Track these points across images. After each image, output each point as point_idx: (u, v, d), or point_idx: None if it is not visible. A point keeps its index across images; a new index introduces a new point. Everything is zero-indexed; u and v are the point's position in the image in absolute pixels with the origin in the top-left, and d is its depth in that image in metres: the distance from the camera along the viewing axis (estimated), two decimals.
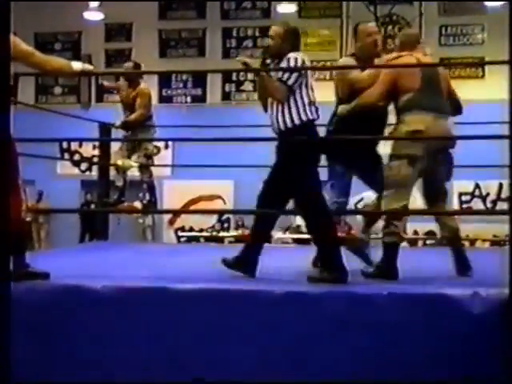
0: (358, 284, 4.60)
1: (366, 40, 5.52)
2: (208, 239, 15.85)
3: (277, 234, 14.97)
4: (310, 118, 4.98)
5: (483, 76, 15.63)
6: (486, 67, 15.60)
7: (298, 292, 4.24)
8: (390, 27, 17.04)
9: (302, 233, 14.54)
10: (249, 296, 4.24)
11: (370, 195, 14.62)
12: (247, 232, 15.53)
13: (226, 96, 17.71)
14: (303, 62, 5.04)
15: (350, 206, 14.46)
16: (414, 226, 15.25)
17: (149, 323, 4.26)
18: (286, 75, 4.96)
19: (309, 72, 5.08)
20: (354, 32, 5.74)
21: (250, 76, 17.54)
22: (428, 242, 14.06)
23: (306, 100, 4.99)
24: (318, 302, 4.14)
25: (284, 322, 4.14)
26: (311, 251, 5.45)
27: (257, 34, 17.88)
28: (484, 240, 13.78)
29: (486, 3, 16.26)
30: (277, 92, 4.98)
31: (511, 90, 4.24)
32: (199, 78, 17.45)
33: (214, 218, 16.83)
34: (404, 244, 14.74)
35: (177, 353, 4.20)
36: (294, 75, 4.96)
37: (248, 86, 17.63)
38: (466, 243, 14.04)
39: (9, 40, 4.15)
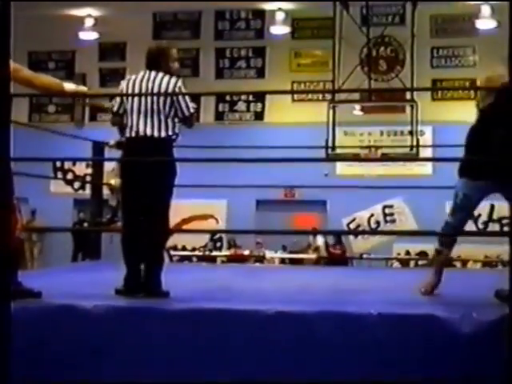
0: (349, 304, 4.60)
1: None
2: (200, 258, 15.85)
3: (269, 254, 15.00)
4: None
5: (475, 98, 15.70)
6: None
7: (287, 312, 4.25)
8: (382, 48, 17.15)
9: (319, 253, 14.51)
10: (234, 315, 4.25)
11: (362, 215, 14.66)
12: (240, 251, 15.61)
13: (219, 116, 17.77)
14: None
15: (343, 226, 14.54)
16: (406, 247, 15.31)
17: (140, 341, 4.27)
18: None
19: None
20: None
21: (244, 97, 17.63)
22: (420, 262, 14.08)
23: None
24: (308, 322, 4.15)
25: (273, 341, 4.15)
26: (308, 271, 5.46)
27: (250, 54, 17.97)
28: (475, 261, 13.81)
29: (478, 25, 16.39)
30: None
31: None
32: (193, 98, 17.46)
33: (206, 237, 16.83)
34: (396, 264, 14.82)
35: (170, 370, 4.21)
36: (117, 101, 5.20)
37: (241, 107, 17.70)
38: (458, 264, 14.19)
39: (8, 57, 4.16)
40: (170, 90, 5.08)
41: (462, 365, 3.97)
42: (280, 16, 17.12)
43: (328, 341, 4.12)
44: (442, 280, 5.29)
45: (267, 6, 17.31)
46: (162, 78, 5.12)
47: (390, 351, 4.05)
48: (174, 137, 5.12)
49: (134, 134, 5.05)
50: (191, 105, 5.13)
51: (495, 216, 15.00)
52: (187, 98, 5.16)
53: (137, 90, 5.11)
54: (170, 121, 5.07)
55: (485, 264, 13.66)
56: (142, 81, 5.14)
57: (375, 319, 4.11)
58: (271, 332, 4.17)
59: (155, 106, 5.04)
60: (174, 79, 5.13)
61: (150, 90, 5.09)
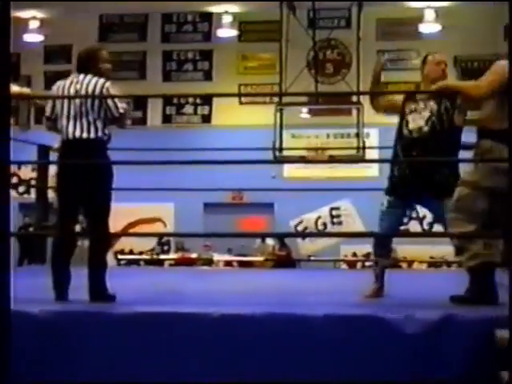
0: (295, 305, 4.62)
1: (434, 68, 5.44)
2: (148, 262, 15.76)
3: (217, 256, 14.97)
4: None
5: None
6: None
7: (234, 314, 4.25)
8: (328, 51, 17.28)
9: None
10: (180, 319, 4.23)
11: (309, 217, 14.72)
12: (188, 255, 15.55)
13: (166, 119, 17.71)
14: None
15: (290, 228, 14.60)
16: (353, 249, 15.42)
17: (87, 346, 4.23)
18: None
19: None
20: (422, 61, 5.62)
21: (191, 99, 17.59)
22: (367, 263, 14.20)
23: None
24: (255, 324, 4.15)
25: (220, 344, 4.15)
26: (256, 273, 5.47)
27: (197, 57, 17.95)
28: (421, 262, 13.97)
29: (422, 29, 16.60)
30: None
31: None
32: (140, 101, 17.41)
33: (153, 241, 16.74)
34: (343, 266, 14.91)
35: (116, 373, 4.18)
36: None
37: (189, 110, 17.67)
38: (404, 265, 14.34)
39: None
40: (97, 91, 5.08)
41: (405, 365, 4.02)
42: (227, 19, 17.13)
43: (274, 342, 4.13)
44: (384, 284, 5.36)
45: (214, 9, 17.30)
46: (90, 80, 5.12)
47: (336, 352, 4.07)
48: (105, 138, 5.10)
49: (65, 138, 5.06)
50: (120, 105, 5.12)
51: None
52: (116, 98, 5.14)
53: (66, 94, 5.11)
54: (99, 122, 5.06)
55: (430, 265, 13.83)
56: (70, 84, 5.14)
57: (321, 320, 4.13)
58: (218, 335, 4.17)
59: (83, 109, 5.04)
60: (101, 80, 5.12)
61: (78, 93, 5.09)
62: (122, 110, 5.12)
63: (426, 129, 5.30)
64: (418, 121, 5.33)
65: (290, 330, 4.15)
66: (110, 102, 5.07)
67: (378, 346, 4.05)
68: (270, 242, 15.54)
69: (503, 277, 5.31)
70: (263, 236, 15.34)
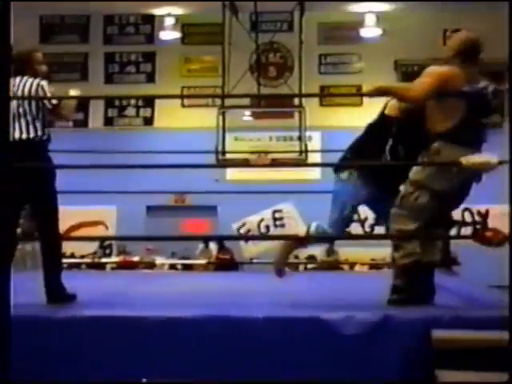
0: (236, 308, 4.65)
1: None
2: (90, 265, 15.62)
3: (159, 260, 14.91)
4: None
5: (361, 104, 16.04)
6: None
7: (174, 317, 4.25)
8: (271, 55, 17.35)
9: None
10: (124, 321, 4.23)
11: (252, 220, 14.77)
12: (130, 258, 15.45)
13: (108, 121, 17.58)
14: None
15: (233, 231, 14.61)
16: (296, 251, 15.48)
17: (33, 351, 4.20)
18: None
19: None
20: None
21: (133, 102, 17.50)
22: (309, 266, 14.28)
23: None
24: (195, 327, 4.17)
25: (159, 347, 4.15)
26: (198, 277, 5.48)
27: (140, 59, 17.85)
28: (362, 264, 14.11)
29: (363, 34, 16.78)
30: None
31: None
32: (81, 103, 17.25)
33: (95, 244, 16.59)
34: (286, 268, 14.96)
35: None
36: None
37: (131, 112, 17.58)
38: (346, 267, 14.47)
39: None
40: (33, 90, 5.12)
41: (344, 366, 4.07)
42: (169, 21, 17.08)
43: (215, 344, 4.15)
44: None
45: (157, 12, 17.24)
46: (26, 81, 5.12)
47: (276, 354, 4.11)
48: (44, 137, 5.09)
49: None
50: (53, 101, 5.14)
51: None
52: (48, 94, 5.18)
53: None
54: (38, 122, 5.08)
55: (371, 267, 13.97)
56: None
57: (261, 322, 4.16)
58: (158, 337, 4.17)
59: (21, 109, 5.05)
60: (36, 80, 5.13)
61: (15, 95, 5.11)
62: (54, 101, 5.12)
63: None
64: None
65: (230, 332, 4.18)
66: (41, 94, 5.07)
67: (317, 346, 4.10)
68: (213, 246, 15.55)
69: (440, 277, 5.43)
70: (206, 239, 15.31)
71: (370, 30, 16.61)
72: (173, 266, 15.03)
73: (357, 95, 16.59)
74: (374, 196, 5.22)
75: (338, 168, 5.33)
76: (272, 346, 4.13)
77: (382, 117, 5.27)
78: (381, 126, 5.23)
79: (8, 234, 5.06)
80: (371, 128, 5.32)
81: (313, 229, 5.29)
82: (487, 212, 17.38)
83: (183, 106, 17.22)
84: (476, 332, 4.02)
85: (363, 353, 4.09)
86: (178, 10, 16.95)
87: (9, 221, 5.05)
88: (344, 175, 5.22)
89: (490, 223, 17.10)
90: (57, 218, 5.09)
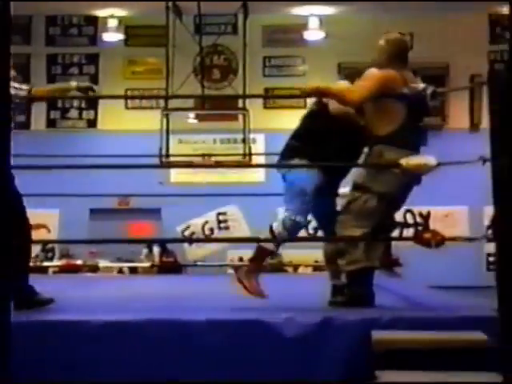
0: (178, 311, 4.64)
1: None
2: (31, 269, 15.40)
3: (103, 263, 14.79)
4: None
5: (305, 106, 16.14)
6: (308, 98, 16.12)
7: (115, 321, 4.23)
8: (215, 57, 17.35)
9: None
10: (65, 326, 4.20)
11: (196, 222, 14.73)
12: (73, 261, 15.30)
13: (51, 123, 17.38)
14: None
15: (177, 234, 14.56)
16: (240, 253, 15.52)
17: None
18: None
19: None
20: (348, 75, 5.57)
21: (76, 104, 17.33)
22: None
23: None
24: (137, 330, 4.15)
25: (101, 351, 4.13)
26: (142, 280, 5.45)
27: (83, 61, 17.69)
28: (306, 266, 14.16)
29: (306, 36, 16.88)
30: None
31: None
32: (23, 104, 17.02)
33: (37, 248, 16.39)
34: (230, 271, 14.99)
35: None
36: None
37: (74, 114, 17.40)
38: (290, 269, 14.52)
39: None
40: None
41: (286, 368, 4.09)
42: (113, 23, 16.95)
43: (158, 348, 4.14)
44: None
45: (100, 13, 17.11)
46: None
47: (218, 356, 4.11)
48: None
49: None
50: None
51: None
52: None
53: None
54: None
55: (315, 268, 14.03)
56: None
57: (203, 325, 4.16)
58: (99, 341, 4.15)
59: None
60: None
61: None
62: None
63: None
64: None
65: (173, 335, 4.17)
66: None
67: (259, 349, 4.12)
68: (157, 249, 15.48)
69: (381, 278, 5.50)
70: (150, 242, 15.25)
71: (314, 33, 16.72)
72: (118, 270, 14.92)
73: (296, 97, 16.67)
74: (323, 186, 5.15)
75: (286, 158, 5.25)
76: (214, 348, 4.13)
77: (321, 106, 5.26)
78: (320, 114, 5.23)
79: None
80: (312, 115, 5.31)
81: (278, 227, 5.09)
82: (429, 213, 17.65)
83: (127, 108, 17.11)
84: (416, 332, 4.08)
85: (304, 354, 4.12)
86: (121, 11, 16.84)
87: None
88: (295, 162, 5.16)
89: (432, 225, 17.38)
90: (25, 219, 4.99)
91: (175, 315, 4.37)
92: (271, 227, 5.12)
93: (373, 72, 4.95)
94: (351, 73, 5.57)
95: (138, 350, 4.14)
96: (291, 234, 5.09)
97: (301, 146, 5.16)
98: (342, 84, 5.31)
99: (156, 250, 15.46)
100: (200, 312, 4.46)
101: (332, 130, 5.10)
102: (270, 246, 5.11)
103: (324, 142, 5.07)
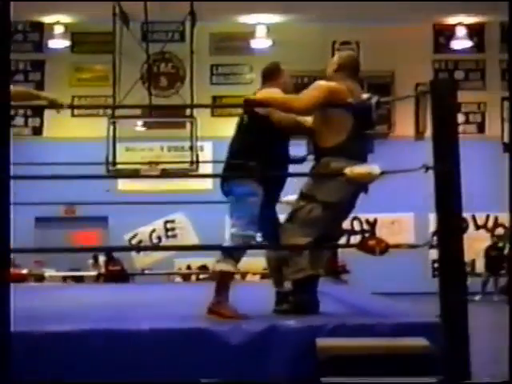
0: (123, 320, 4.60)
1: (288, 80, 5.39)
2: None
3: (49, 272, 14.61)
4: None
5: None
6: None
7: (58, 332, 4.18)
8: (162, 65, 17.31)
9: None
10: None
11: (144, 230, 14.62)
12: (18, 270, 15.08)
13: None
14: None
15: (125, 242, 14.45)
16: (188, 261, 15.50)
17: None
18: None
19: None
20: (267, 71, 5.45)
21: (21, 111, 17.14)
22: (201, 276, 14.28)
23: None
24: (80, 340, 4.11)
25: (44, 361, 4.08)
26: (88, 289, 5.39)
27: (28, 67, 17.53)
28: (254, 273, 14.16)
29: (254, 45, 16.94)
30: None
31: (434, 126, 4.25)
32: None
33: None
34: (178, 279, 14.92)
35: None
36: None
37: (19, 121, 17.21)
38: (238, 276, 14.50)
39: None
40: None
41: (231, 376, 4.08)
42: (59, 29, 16.83)
43: (102, 358, 4.09)
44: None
45: (45, 19, 16.95)
46: None
47: (162, 365, 4.09)
48: None
49: None
50: None
51: None
52: None
53: None
54: None
55: (263, 276, 14.04)
56: None
57: (147, 334, 4.14)
58: (42, 352, 4.09)
59: None
60: None
61: None
62: None
63: None
64: None
65: (117, 345, 4.13)
66: None
67: (204, 357, 4.10)
68: (102, 258, 15.36)
69: (327, 285, 5.52)
70: (97, 250, 15.11)
71: (261, 41, 16.79)
72: (64, 279, 14.76)
73: (242, 106, 16.70)
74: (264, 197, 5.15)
75: (229, 177, 5.23)
76: (159, 357, 4.10)
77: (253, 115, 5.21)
78: (254, 123, 5.20)
79: None
80: (244, 127, 5.28)
81: (230, 244, 5.00)
82: (375, 220, 17.86)
83: (73, 115, 16.96)
84: (360, 339, 4.11)
85: (249, 362, 4.11)
86: (67, 18, 16.71)
87: None
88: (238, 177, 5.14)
89: (378, 231, 17.58)
90: None
91: (119, 325, 4.33)
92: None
93: (319, 83, 5.01)
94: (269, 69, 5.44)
95: (79, 360, 4.09)
96: (245, 248, 5.04)
97: (243, 163, 5.16)
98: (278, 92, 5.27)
99: (102, 258, 15.34)
100: (145, 321, 4.42)
101: (272, 141, 5.11)
102: (230, 267, 5.00)
103: (265, 153, 5.06)
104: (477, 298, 16.16)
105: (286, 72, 5.38)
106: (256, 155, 5.04)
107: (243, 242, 4.93)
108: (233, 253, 4.93)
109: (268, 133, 5.08)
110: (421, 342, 3.99)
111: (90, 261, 15.37)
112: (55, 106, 5.24)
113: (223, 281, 4.94)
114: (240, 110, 5.63)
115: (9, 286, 4.05)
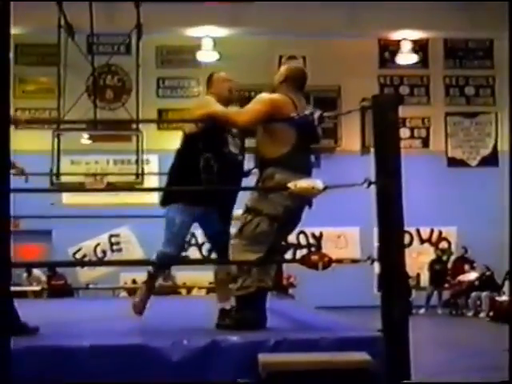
0: (63, 336, 4.52)
1: (221, 86, 5.44)
2: None
3: None
4: None
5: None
6: None
7: None
8: (108, 77, 17.19)
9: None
10: None
11: (88, 244, 14.43)
12: None
13: None
14: None
15: (69, 256, 14.24)
16: (133, 276, 15.35)
17: None
18: None
19: None
20: (207, 80, 5.60)
21: None
22: None
23: None
24: (20, 356, 4.02)
25: None
26: (30, 304, 5.26)
27: None
28: (200, 287, 14.11)
29: (200, 58, 16.93)
30: None
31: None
32: None
33: None
34: (123, 293, 14.78)
35: None
36: None
37: None
38: (183, 291, 14.44)
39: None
40: None
41: None
42: None
43: (37, 376, 4.01)
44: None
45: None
46: None
47: (103, 382, 4.02)
48: None
49: None
50: None
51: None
52: None
53: None
54: None
55: (209, 290, 13.99)
56: None
57: (87, 351, 4.06)
58: None
59: None
60: None
61: None
62: None
63: (240, 157, 5.41)
64: (233, 147, 5.38)
65: (58, 361, 4.05)
66: None
67: (144, 374, 4.04)
68: (39, 272, 15.11)
69: (272, 300, 5.50)
70: (39, 266, 14.89)
71: (208, 54, 16.78)
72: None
73: (187, 121, 16.65)
74: (210, 213, 5.28)
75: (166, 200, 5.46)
76: (99, 375, 4.03)
77: (186, 137, 5.36)
78: (187, 146, 5.31)
79: None
80: (180, 152, 5.40)
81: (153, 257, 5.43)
82: (321, 234, 17.92)
83: (17, 127, 16.69)
84: (302, 354, 4.09)
85: (191, 378, 4.06)
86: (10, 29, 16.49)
87: None
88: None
89: (324, 245, 17.65)
90: None
91: (58, 341, 4.25)
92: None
93: (262, 96, 5.01)
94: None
95: (23, 376, 4.01)
96: (160, 265, 5.44)
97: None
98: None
99: (38, 272, 15.06)
100: (85, 337, 4.35)
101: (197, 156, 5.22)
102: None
103: (197, 174, 5.18)
104: (421, 311, 16.31)
105: (229, 82, 5.49)
106: (185, 177, 5.16)
107: (159, 258, 5.33)
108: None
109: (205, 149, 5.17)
110: (363, 356, 3.99)
111: (24, 274, 15.08)
112: (16, 121, 5.17)
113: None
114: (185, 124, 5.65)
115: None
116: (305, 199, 4.95)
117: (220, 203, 5.32)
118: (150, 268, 5.53)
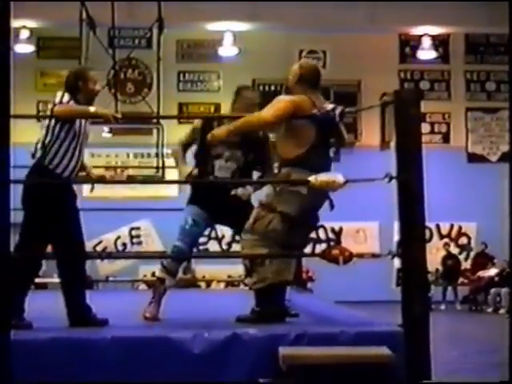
0: (84, 328, 4.56)
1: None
2: None
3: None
4: None
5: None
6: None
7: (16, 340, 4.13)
8: (129, 71, 17.24)
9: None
10: None
11: (109, 237, 14.47)
12: None
13: None
14: None
15: (89, 248, 14.32)
16: (153, 269, 15.39)
17: None
18: None
19: None
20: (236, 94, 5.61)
21: None
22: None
23: None
24: (42, 350, 4.06)
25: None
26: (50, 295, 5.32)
27: None
28: (219, 281, 14.16)
29: (221, 52, 16.94)
30: None
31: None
32: None
33: None
34: (142, 286, 14.82)
35: None
36: None
37: None
38: (203, 284, 14.48)
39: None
40: None
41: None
42: (24, 34, 16.68)
43: (63, 365, 4.05)
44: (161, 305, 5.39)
45: (11, 24, 16.81)
46: None
47: (124, 374, 4.05)
48: None
49: None
50: None
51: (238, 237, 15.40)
52: None
53: None
54: None
55: (228, 284, 14.04)
56: None
57: (108, 342, 4.10)
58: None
59: None
60: None
61: None
62: None
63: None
64: (223, 171, 5.41)
65: (78, 352, 4.09)
66: None
67: (166, 366, 4.08)
68: None
69: (292, 294, 5.53)
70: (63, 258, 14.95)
71: (228, 49, 16.79)
72: None
73: (204, 118, 16.69)
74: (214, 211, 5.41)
75: None
76: (121, 366, 4.07)
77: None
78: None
79: None
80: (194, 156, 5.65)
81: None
82: (341, 229, 17.91)
83: (39, 121, 16.79)
84: (322, 348, 4.10)
85: (212, 370, 4.09)
86: (33, 22, 16.57)
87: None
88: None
89: (344, 240, 17.64)
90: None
91: (80, 334, 4.30)
92: None
93: (282, 97, 5.03)
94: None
95: (43, 368, 4.05)
96: (173, 258, 5.47)
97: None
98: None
99: None
100: (106, 329, 4.40)
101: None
102: (162, 275, 5.45)
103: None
104: (442, 307, 16.28)
105: (249, 92, 5.60)
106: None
107: (172, 252, 5.44)
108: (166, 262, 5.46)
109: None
110: (383, 350, 4.00)
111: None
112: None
113: (155, 286, 5.51)
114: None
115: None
116: (322, 199, 4.96)
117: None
118: (165, 262, 5.51)
